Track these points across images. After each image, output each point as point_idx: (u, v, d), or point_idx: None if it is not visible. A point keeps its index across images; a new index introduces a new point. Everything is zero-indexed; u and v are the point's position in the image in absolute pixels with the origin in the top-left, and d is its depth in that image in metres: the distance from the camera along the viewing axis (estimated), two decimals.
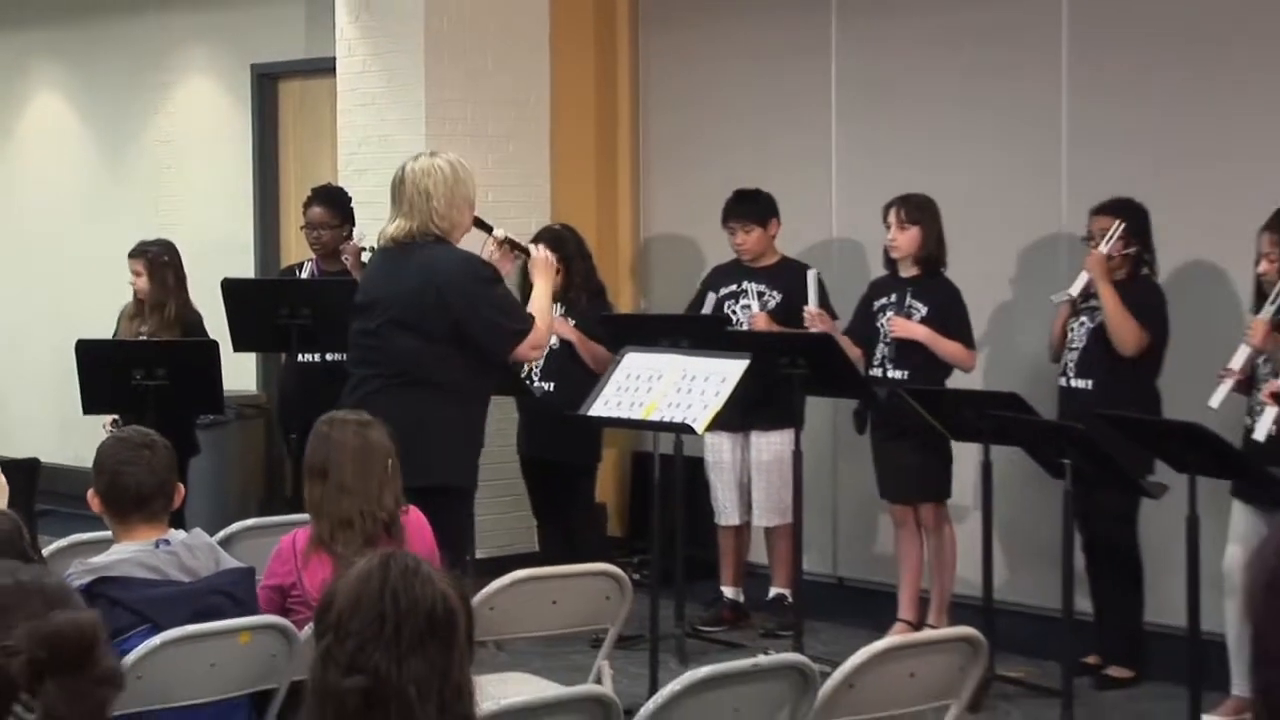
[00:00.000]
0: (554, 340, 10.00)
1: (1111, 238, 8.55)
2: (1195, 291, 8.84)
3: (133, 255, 10.76)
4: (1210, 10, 9.19)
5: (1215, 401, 8.00)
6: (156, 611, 5.36)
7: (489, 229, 8.31)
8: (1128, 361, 8.66)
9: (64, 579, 2.73)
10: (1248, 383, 8.03)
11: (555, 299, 9.77)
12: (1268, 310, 7.85)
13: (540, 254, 8.24)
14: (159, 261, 10.70)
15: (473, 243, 8.28)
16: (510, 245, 8.24)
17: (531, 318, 7.90)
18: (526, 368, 10.10)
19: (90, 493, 5.67)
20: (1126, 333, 8.59)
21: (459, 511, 7.12)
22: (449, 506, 6.56)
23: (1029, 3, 9.85)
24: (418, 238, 7.76)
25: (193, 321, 10.66)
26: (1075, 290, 8.87)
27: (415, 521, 6.18)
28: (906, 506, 9.54)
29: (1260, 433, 7.62)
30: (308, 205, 10.74)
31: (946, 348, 9.27)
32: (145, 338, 10.40)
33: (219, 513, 10.66)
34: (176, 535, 5.62)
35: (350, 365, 8.16)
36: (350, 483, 5.96)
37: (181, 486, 5.74)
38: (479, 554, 10.27)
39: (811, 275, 9.73)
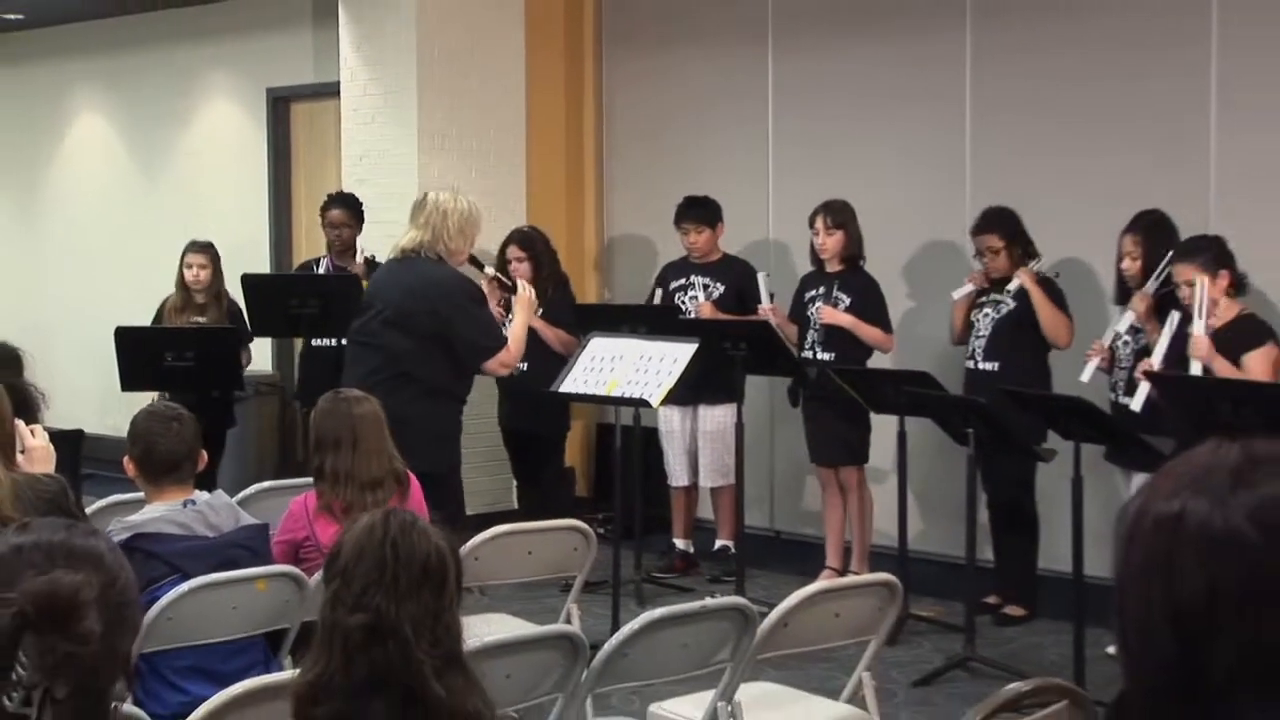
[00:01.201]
0: None
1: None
2: (1069, 284, 8.85)
3: (196, 251, 10.80)
4: (1090, 46, 9.20)
5: (1085, 376, 8.10)
6: (185, 562, 5.37)
7: (481, 266, 8.46)
8: (1028, 346, 8.72)
9: (105, 537, 2.68)
10: (1110, 362, 8.10)
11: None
12: (1151, 285, 7.89)
13: (524, 292, 8.40)
14: (217, 257, 10.79)
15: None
16: (499, 283, 8.45)
17: (505, 340, 8.01)
18: None
19: (126, 459, 5.69)
20: (1061, 329, 8.65)
21: (439, 492, 7.14)
22: (434, 488, 6.57)
23: (936, 39, 9.84)
24: (424, 252, 7.89)
25: (236, 311, 10.70)
26: (959, 294, 9.03)
27: (413, 484, 6.20)
28: (831, 469, 9.58)
29: (1136, 404, 7.66)
30: (327, 208, 10.74)
31: (868, 332, 9.29)
32: (208, 324, 10.49)
33: (240, 475, 10.67)
34: (201, 496, 5.64)
35: (349, 356, 8.21)
36: (374, 445, 5.98)
37: (205, 454, 5.75)
38: (469, 510, 10.25)
39: (761, 277, 9.75)
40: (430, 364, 7.84)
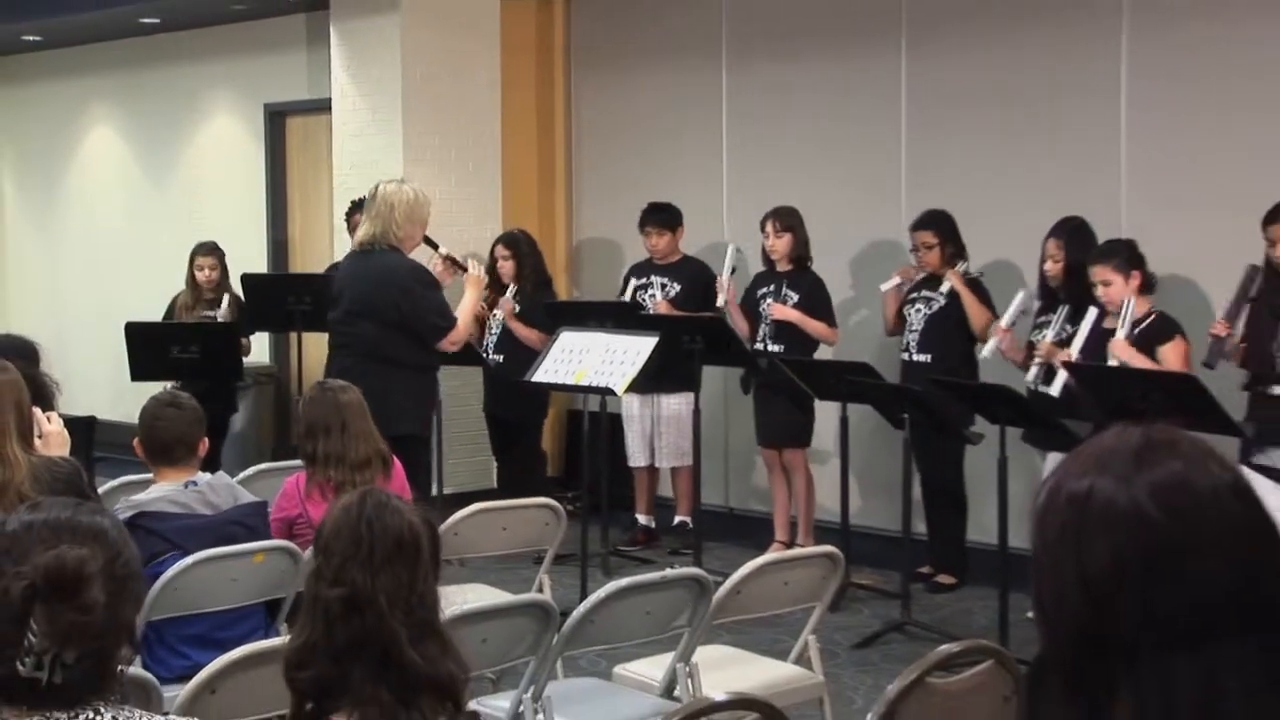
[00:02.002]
0: (501, 319, 10.09)
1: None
2: (995, 283, 8.86)
3: (205, 253, 10.89)
4: (1013, 67, 9.22)
5: (986, 352, 8.23)
6: (184, 539, 5.37)
7: (435, 246, 8.50)
8: (957, 340, 8.75)
9: (110, 514, 2.68)
10: (1027, 356, 8.12)
11: (509, 288, 10.14)
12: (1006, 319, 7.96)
13: (474, 271, 8.47)
14: (223, 257, 10.84)
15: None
16: (451, 262, 8.51)
17: (453, 319, 8.07)
18: (483, 344, 10.16)
19: (135, 441, 5.69)
20: (986, 325, 8.66)
21: (419, 454, 7.18)
22: (409, 450, 6.58)
23: (875, 59, 9.84)
24: (378, 242, 7.96)
25: (241, 305, 10.78)
26: (886, 287, 9.06)
27: (396, 466, 6.19)
28: (776, 451, 9.59)
29: (1055, 390, 7.69)
30: (351, 214, 10.63)
31: (814, 327, 9.30)
32: (220, 319, 10.51)
33: (241, 457, 10.67)
34: (203, 477, 5.63)
35: (329, 345, 8.26)
36: (360, 429, 5.97)
37: (206, 439, 5.74)
38: (448, 490, 10.26)
39: (731, 249, 9.71)
40: (397, 345, 7.91)
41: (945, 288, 8.73)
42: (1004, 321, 8.23)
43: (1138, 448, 1.85)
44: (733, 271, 9.62)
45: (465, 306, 8.28)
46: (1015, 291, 8.69)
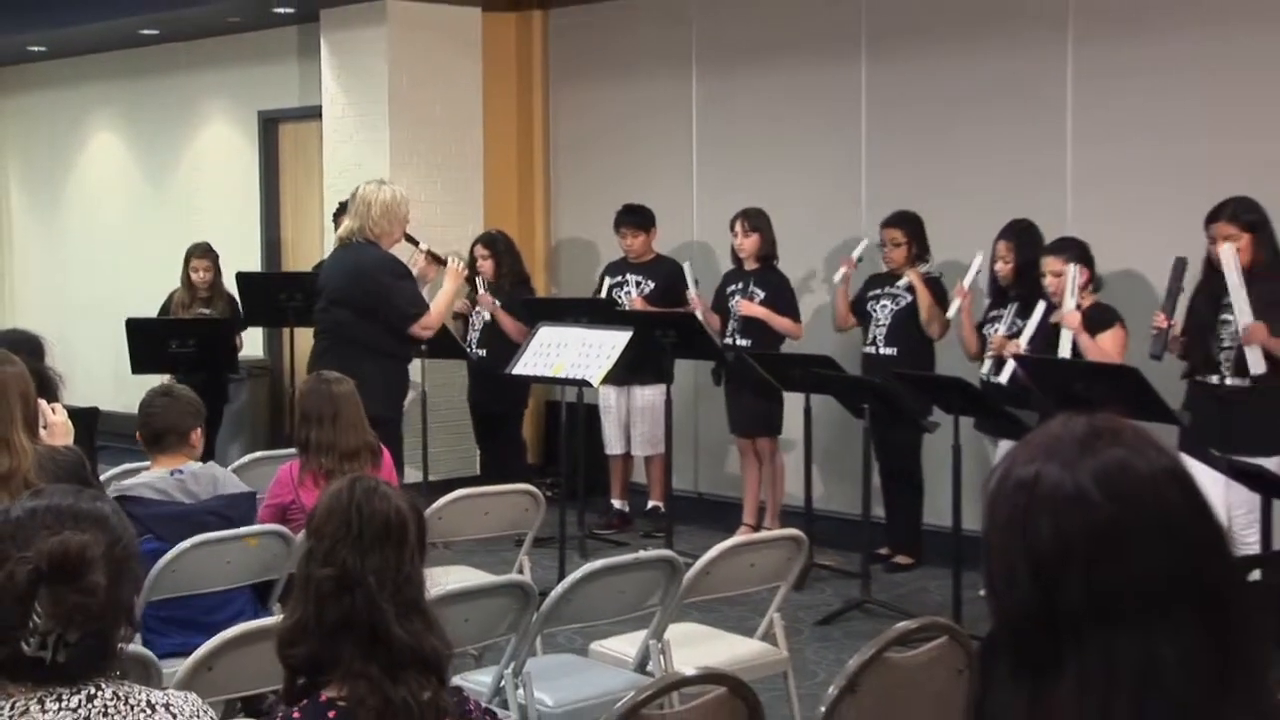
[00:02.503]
0: (485, 315, 10.09)
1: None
2: (950, 281, 8.88)
3: (200, 254, 10.98)
4: (966, 79, 9.23)
5: (950, 312, 8.26)
6: (157, 525, 5.36)
7: (416, 243, 8.58)
8: (920, 334, 8.77)
9: (110, 501, 2.68)
10: (980, 350, 8.14)
11: (490, 285, 10.18)
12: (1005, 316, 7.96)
13: (453, 265, 8.53)
14: (217, 258, 10.89)
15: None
16: (432, 257, 8.62)
17: (428, 307, 8.12)
18: (467, 338, 10.17)
19: (137, 430, 5.73)
20: (935, 323, 8.72)
21: (390, 436, 7.20)
22: (380, 432, 6.58)
23: (837, 71, 9.84)
24: (357, 237, 8.09)
25: (234, 303, 10.92)
26: (838, 277, 9.08)
27: (385, 455, 6.19)
28: (748, 439, 9.59)
29: (1004, 378, 7.73)
30: (338, 214, 10.59)
31: (780, 322, 9.31)
32: (214, 315, 10.51)
33: (236, 444, 10.67)
34: (191, 466, 5.63)
35: (314, 334, 8.36)
36: (351, 419, 5.96)
37: (199, 429, 5.73)
38: (433, 476, 10.25)
39: (686, 266, 9.78)
40: (370, 331, 7.99)
41: (904, 283, 8.75)
42: (965, 283, 8.25)
43: (1082, 436, 1.86)
44: (696, 284, 9.65)
45: (441, 296, 8.37)
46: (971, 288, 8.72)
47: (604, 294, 10.09)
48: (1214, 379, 7.07)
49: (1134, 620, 1.78)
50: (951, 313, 8.37)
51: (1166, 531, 1.81)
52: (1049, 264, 7.65)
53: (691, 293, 9.63)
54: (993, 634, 1.93)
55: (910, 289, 8.73)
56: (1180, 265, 7.22)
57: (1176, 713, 1.76)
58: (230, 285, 10.97)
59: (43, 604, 2.47)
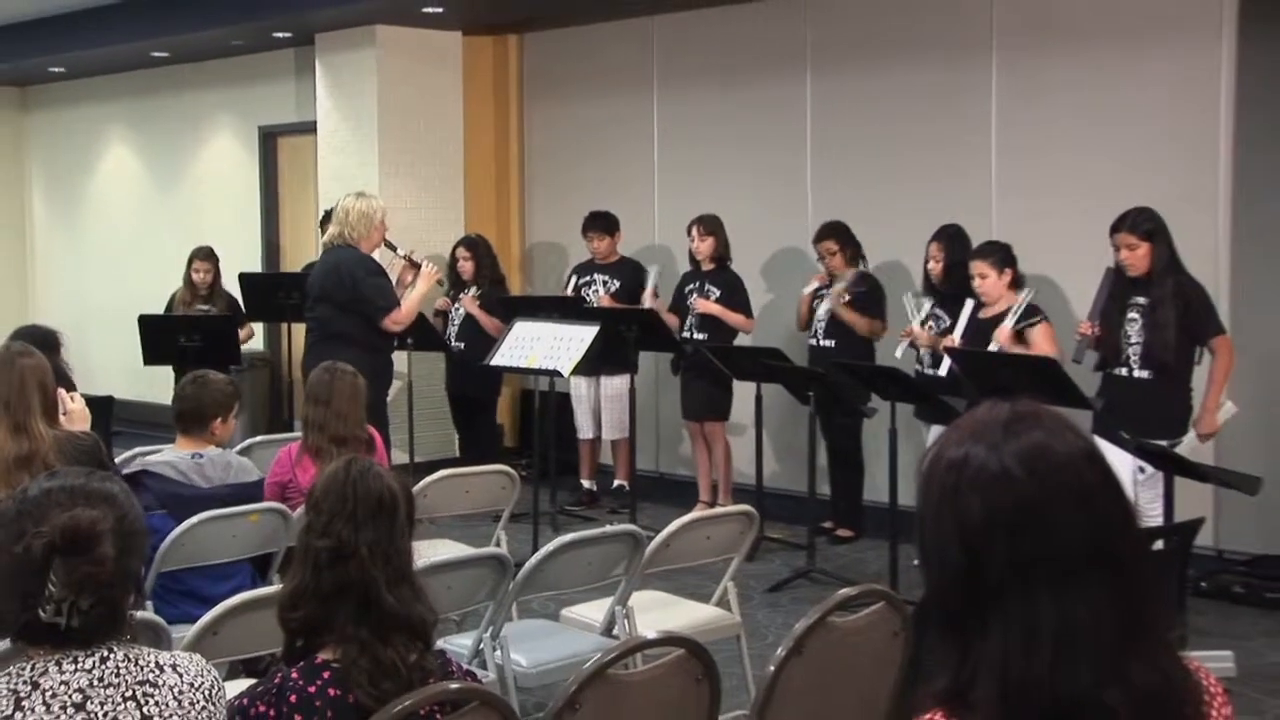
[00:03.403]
0: (462, 312, 10.09)
1: (847, 283, 8.69)
2: (885, 279, 8.91)
3: (204, 257, 10.95)
4: (901, 97, 9.26)
5: (899, 352, 8.17)
6: (169, 501, 5.37)
7: (394, 249, 8.64)
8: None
9: (120, 481, 2.68)
10: (913, 340, 8.17)
11: (468, 284, 10.20)
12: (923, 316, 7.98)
13: (427, 269, 8.57)
14: (217, 260, 10.86)
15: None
16: (410, 262, 8.79)
17: (398, 302, 8.19)
18: (447, 332, 10.16)
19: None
20: (864, 330, 8.70)
21: (376, 419, 7.19)
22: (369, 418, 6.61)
23: (784, 89, 9.86)
24: (337, 241, 8.22)
25: (233, 301, 10.89)
26: (808, 290, 9.03)
27: (375, 439, 6.18)
28: (697, 423, 9.59)
29: (942, 370, 7.75)
30: (324, 221, 10.52)
31: (733, 318, 9.31)
32: (214, 313, 10.47)
33: (238, 429, 10.65)
34: (211, 452, 5.61)
35: (306, 329, 8.44)
36: (345, 410, 5.95)
37: (221, 418, 5.70)
38: (418, 458, 10.24)
39: (653, 271, 9.78)
40: (348, 324, 8.06)
41: (840, 283, 8.76)
42: (914, 324, 8.22)
43: (1006, 420, 1.87)
44: (655, 287, 9.65)
45: (414, 294, 8.38)
46: (903, 285, 8.76)
47: (570, 290, 10.08)
48: (1123, 371, 7.11)
49: (1052, 585, 1.79)
50: (898, 354, 8.27)
51: (1082, 506, 1.82)
52: (976, 267, 7.70)
53: (647, 293, 9.65)
54: (926, 599, 1.94)
55: (854, 284, 8.72)
56: (1109, 274, 7.25)
57: (1089, 667, 1.77)
58: (229, 285, 10.96)
59: (57, 574, 2.47)
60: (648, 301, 9.54)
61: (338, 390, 5.94)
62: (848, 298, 8.70)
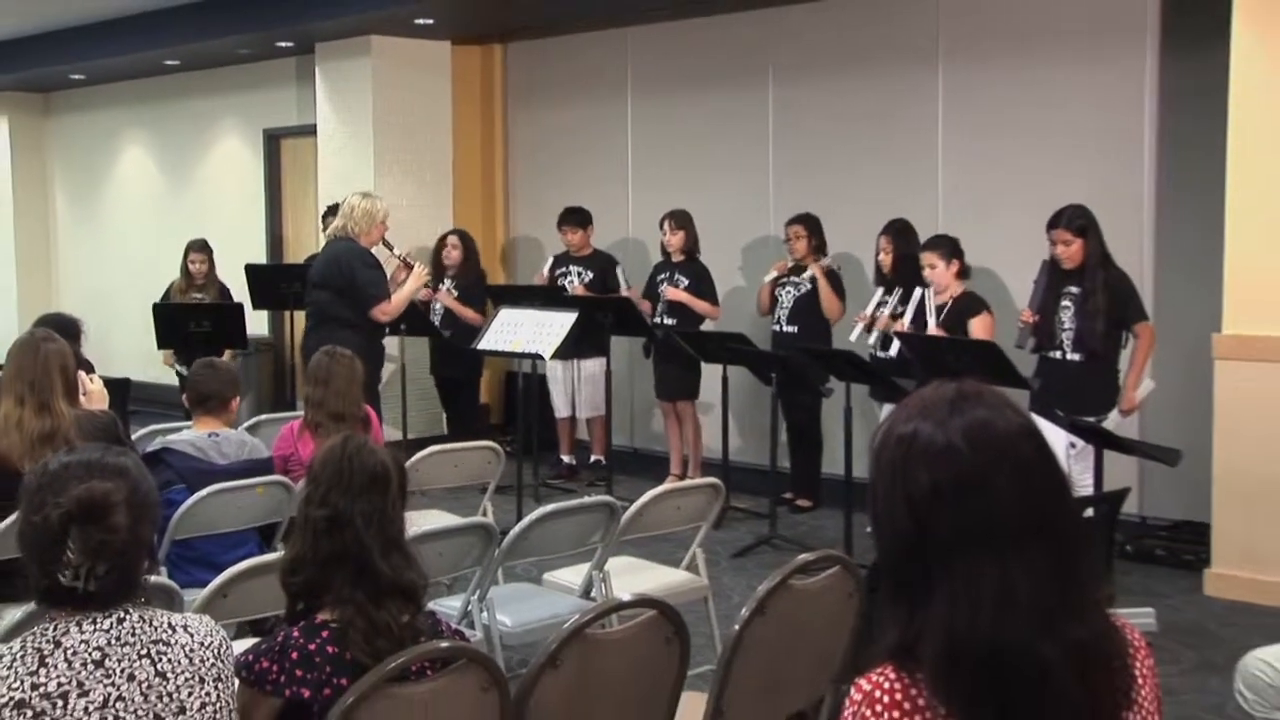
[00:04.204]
0: (441, 307, 10.12)
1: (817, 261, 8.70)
2: (844, 271, 8.93)
3: (199, 249, 10.90)
4: (854, 100, 9.27)
5: (853, 336, 8.17)
6: (190, 477, 5.34)
7: (391, 248, 8.66)
8: (817, 315, 8.74)
9: (133, 456, 2.69)
10: (870, 325, 8.17)
11: (448, 272, 10.27)
12: (903, 310, 7.99)
13: (418, 269, 8.58)
14: (211, 252, 10.82)
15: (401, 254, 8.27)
16: (404, 262, 8.81)
17: (389, 294, 8.17)
18: (432, 317, 10.13)
19: (185, 393, 5.79)
20: (834, 309, 8.71)
21: (370, 398, 7.21)
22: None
23: (749, 95, 9.86)
24: (340, 234, 8.21)
25: (224, 289, 10.83)
26: (769, 278, 9.01)
27: (371, 416, 6.17)
28: (670, 403, 9.59)
29: (892, 352, 7.77)
30: (326, 215, 10.50)
31: (700, 306, 9.30)
32: (208, 300, 10.42)
33: (244, 408, 10.61)
34: (225, 431, 5.61)
35: (306, 314, 8.43)
36: (343, 389, 5.94)
37: (237, 398, 5.73)
38: (410, 435, 10.22)
39: (619, 270, 9.80)
40: (343, 308, 8.04)
41: (808, 274, 8.77)
42: (867, 310, 8.21)
43: (951, 399, 1.88)
44: (627, 284, 9.66)
45: (404, 290, 8.37)
46: (858, 275, 8.77)
47: (545, 273, 10.07)
48: (1057, 354, 7.14)
49: (993, 551, 1.80)
50: (853, 337, 8.22)
51: (1020, 477, 1.83)
52: (926, 258, 7.72)
53: (622, 285, 9.66)
54: (877, 564, 1.95)
55: (813, 280, 8.74)
56: (1045, 267, 7.27)
57: (1027, 624, 1.78)
58: (227, 276, 10.93)
59: (74, 542, 2.48)
60: (670, 293, 9.49)
61: (337, 372, 5.93)
62: (837, 266, 8.71)
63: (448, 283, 10.20)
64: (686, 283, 9.33)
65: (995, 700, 1.76)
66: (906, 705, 1.79)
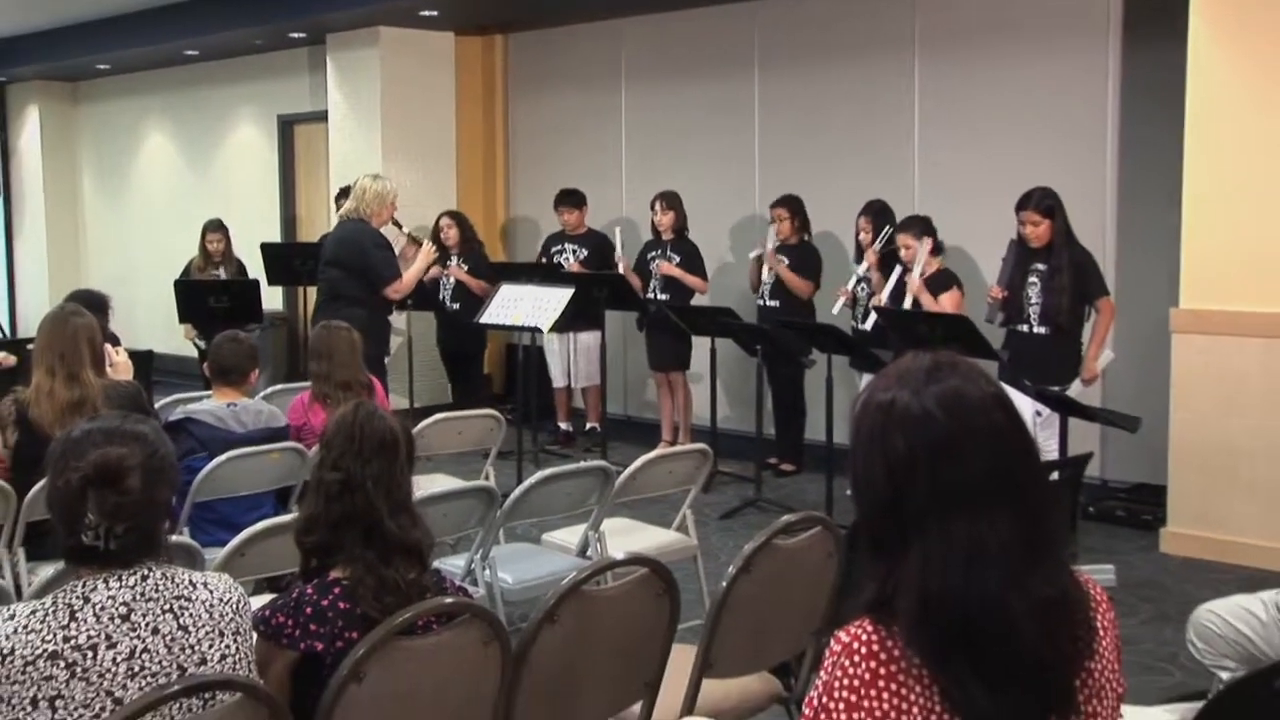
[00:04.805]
0: (453, 279, 10.05)
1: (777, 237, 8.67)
2: (824, 248, 8.92)
3: (215, 229, 10.83)
4: (836, 90, 9.25)
5: (835, 309, 8.15)
6: (211, 445, 5.34)
7: (400, 227, 8.55)
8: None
9: (152, 424, 2.69)
10: (852, 300, 8.17)
11: (452, 251, 10.16)
12: (877, 245, 7.97)
13: (425, 247, 8.39)
14: (228, 232, 10.77)
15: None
16: (412, 239, 8.62)
17: (400, 274, 7.99)
18: (441, 294, 10.11)
19: (205, 364, 5.80)
20: (798, 289, 8.67)
21: (376, 368, 7.18)
22: (368, 364, 6.60)
23: (735, 85, 9.85)
24: (353, 215, 8.03)
25: (241, 266, 10.79)
26: (753, 255, 8.99)
27: (377, 389, 6.16)
28: (662, 373, 9.59)
29: (868, 325, 7.76)
30: (339, 197, 10.47)
31: (690, 280, 9.26)
32: (225, 277, 10.39)
33: (260, 380, 10.61)
34: (244, 401, 5.60)
35: (317, 290, 8.30)
36: (342, 360, 5.94)
37: (256, 371, 5.73)
38: (417, 404, 10.22)
39: (617, 231, 9.71)
40: (355, 287, 7.86)
41: (773, 244, 8.71)
42: (849, 285, 8.20)
43: (928, 368, 1.87)
44: (622, 246, 9.57)
45: (413, 269, 8.24)
46: (838, 252, 8.76)
47: (545, 259, 10.04)
48: (1024, 327, 7.14)
49: (965, 512, 1.80)
50: (835, 310, 8.22)
51: (992, 443, 1.83)
52: (901, 239, 7.68)
53: (619, 254, 9.59)
54: (857, 523, 1.95)
55: (793, 253, 8.72)
56: (1013, 246, 7.26)
57: (995, 580, 1.78)
58: (243, 254, 10.90)
59: (92, 504, 2.49)
60: (620, 262, 9.47)
61: (336, 344, 5.94)
62: (786, 261, 8.69)
63: (455, 259, 10.18)
64: (677, 260, 9.31)
65: (965, 653, 1.77)
66: (883, 656, 1.79)
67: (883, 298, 7.75)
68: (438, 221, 10.35)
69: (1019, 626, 1.77)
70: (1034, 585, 1.79)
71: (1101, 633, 1.92)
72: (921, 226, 7.68)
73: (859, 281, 8.15)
